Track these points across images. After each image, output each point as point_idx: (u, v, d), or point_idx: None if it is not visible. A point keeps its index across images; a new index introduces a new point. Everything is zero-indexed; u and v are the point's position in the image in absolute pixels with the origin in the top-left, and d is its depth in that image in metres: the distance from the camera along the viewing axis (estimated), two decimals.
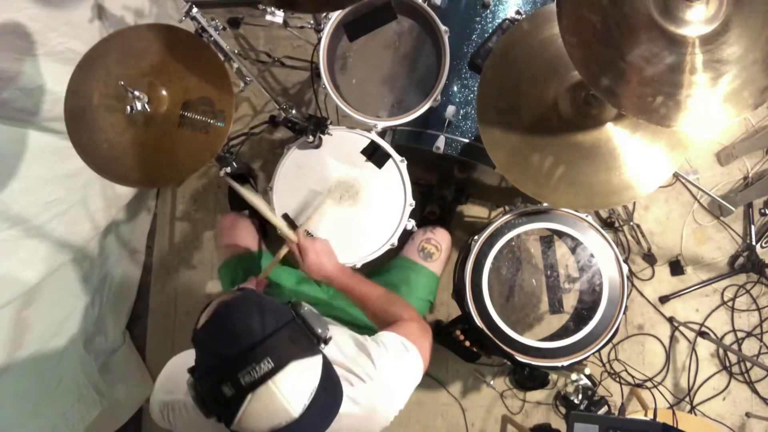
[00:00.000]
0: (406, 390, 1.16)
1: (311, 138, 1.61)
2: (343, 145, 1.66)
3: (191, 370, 0.91)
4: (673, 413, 1.71)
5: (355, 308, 1.44)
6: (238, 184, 1.49)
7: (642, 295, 2.29)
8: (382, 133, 1.69)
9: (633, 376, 2.25)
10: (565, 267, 1.75)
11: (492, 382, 2.24)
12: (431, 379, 2.26)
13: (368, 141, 1.66)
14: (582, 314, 1.68)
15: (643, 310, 2.30)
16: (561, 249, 1.76)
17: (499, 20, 1.66)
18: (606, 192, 1.42)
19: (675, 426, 1.53)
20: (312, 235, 1.56)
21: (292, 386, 0.83)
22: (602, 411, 1.62)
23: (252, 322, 0.86)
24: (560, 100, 1.42)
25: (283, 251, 1.48)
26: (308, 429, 0.87)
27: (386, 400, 1.12)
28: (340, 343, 1.15)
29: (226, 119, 1.39)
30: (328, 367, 0.91)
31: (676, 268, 2.29)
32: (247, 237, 1.68)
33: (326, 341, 0.92)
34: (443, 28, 1.59)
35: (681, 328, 2.27)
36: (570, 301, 1.74)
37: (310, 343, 0.90)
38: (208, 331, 0.90)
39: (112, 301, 2.18)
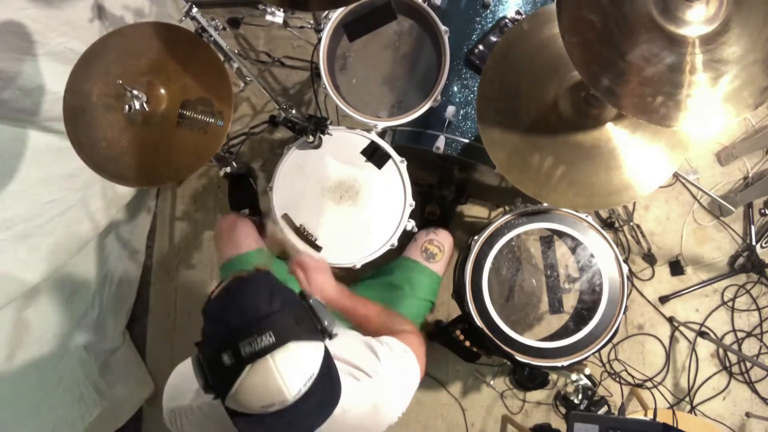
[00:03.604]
0: (409, 390, 1.16)
1: (311, 138, 1.61)
2: (343, 146, 1.66)
3: (197, 344, 0.92)
4: (673, 413, 1.71)
5: None
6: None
7: (642, 295, 2.29)
8: (382, 134, 1.69)
9: (633, 376, 2.24)
10: (565, 267, 1.75)
11: (492, 382, 2.24)
12: (431, 379, 2.25)
13: (368, 141, 1.66)
14: (582, 314, 1.68)
15: (643, 310, 2.29)
16: (561, 249, 1.76)
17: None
18: (606, 192, 1.42)
19: (675, 426, 1.53)
20: (318, 247, 1.56)
21: (290, 366, 0.83)
22: (602, 411, 1.62)
23: (261, 298, 0.87)
24: (560, 100, 1.42)
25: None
26: (300, 420, 0.86)
27: (391, 396, 1.12)
28: (346, 340, 1.16)
29: (225, 119, 1.39)
30: (329, 361, 0.91)
31: (676, 268, 2.29)
32: (247, 237, 1.68)
33: (331, 335, 0.93)
34: (443, 28, 1.59)
35: (681, 328, 2.27)
36: (570, 301, 1.73)
37: (314, 329, 0.90)
38: (218, 301, 0.91)
39: (112, 301, 2.18)
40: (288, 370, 0.83)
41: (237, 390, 0.83)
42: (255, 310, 0.85)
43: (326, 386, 0.89)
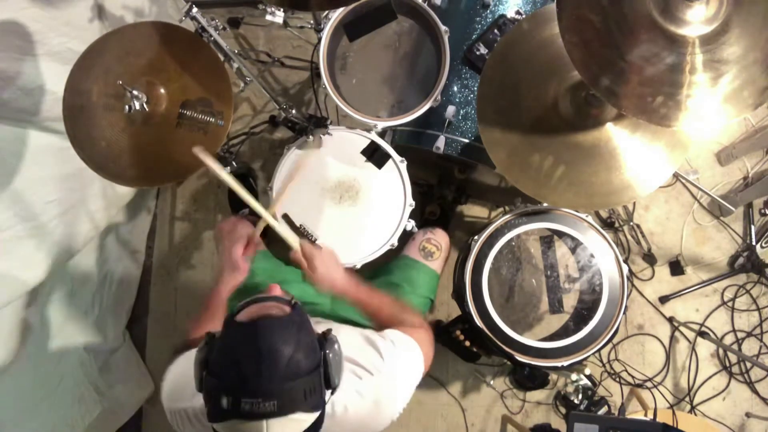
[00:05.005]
0: (410, 386, 1.16)
1: (311, 138, 1.61)
2: (343, 145, 1.66)
3: (210, 337, 0.91)
4: (673, 413, 1.71)
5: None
6: (238, 187, 1.39)
7: (642, 295, 2.29)
8: (382, 134, 1.69)
9: (633, 376, 2.25)
10: (565, 267, 1.75)
11: (492, 382, 2.24)
12: (431, 379, 2.25)
13: (368, 141, 1.66)
14: (582, 314, 1.68)
15: (643, 310, 2.29)
16: (561, 249, 1.76)
17: None
18: (606, 192, 1.42)
19: (675, 426, 1.53)
20: (317, 244, 1.55)
21: (281, 430, 0.84)
22: (602, 411, 1.62)
23: (282, 354, 0.85)
24: (560, 100, 1.42)
25: (262, 225, 1.36)
26: None
27: (392, 394, 1.12)
28: (348, 339, 1.15)
29: (225, 119, 1.39)
30: (319, 420, 0.90)
31: (676, 268, 2.29)
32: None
33: (334, 391, 0.92)
34: (443, 28, 1.59)
35: (681, 328, 2.27)
36: (570, 301, 1.74)
37: (320, 398, 0.89)
38: (240, 333, 0.89)
39: (112, 301, 2.18)
40: None
41: (223, 426, 0.84)
42: (270, 369, 0.83)
43: None
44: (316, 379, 0.88)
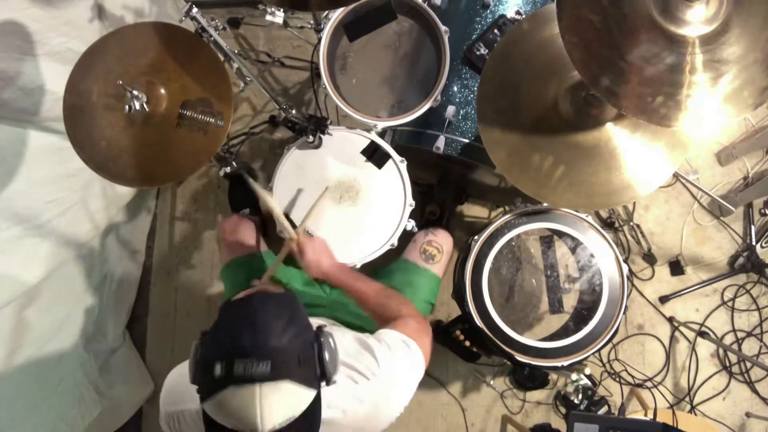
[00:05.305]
0: (410, 387, 1.16)
1: (311, 138, 1.61)
2: (343, 146, 1.66)
3: (203, 333, 0.92)
4: (673, 413, 1.71)
5: (356, 310, 1.44)
6: (246, 179, 1.48)
7: (642, 295, 2.29)
8: (382, 134, 1.69)
9: (633, 376, 2.25)
10: (565, 267, 1.75)
11: (492, 382, 2.24)
12: (431, 379, 2.26)
13: (368, 141, 1.66)
14: (582, 314, 1.68)
15: (643, 310, 2.29)
16: (561, 249, 1.76)
17: None
18: (606, 192, 1.42)
19: (675, 426, 1.53)
20: (311, 235, 1.57)
21: (274, 402, 0.82)
22: (602, 411, 1.62)
23: (277, 321, 0.87)
24: (560, 100, 1.42)
25: (284, 253, 1.48)
26: None
27: (390, 397, 1.12)
28: (344, 342, 1.15)
29: (225, 119, 1.39)
30: (316, 406, 0.89)
31: (676, 268, 2.29)
32: (250, 238, 1.68)
33: (329, 382, 0.92)
34: (443, 28, 1.59)
35: (681, 328, 2.27)
36: (570, 301, 1.74)
37: (314, 375, 0.89)
38: (235, 308, 0.91)
39: (112, 301, 2.18)
40: (270, 405, 0.82)
41: (216, 401, 0.83)
42: (265, 333, 0.85)
43: (303, 427, 0.87)
44: (309, 352, 0.89)
